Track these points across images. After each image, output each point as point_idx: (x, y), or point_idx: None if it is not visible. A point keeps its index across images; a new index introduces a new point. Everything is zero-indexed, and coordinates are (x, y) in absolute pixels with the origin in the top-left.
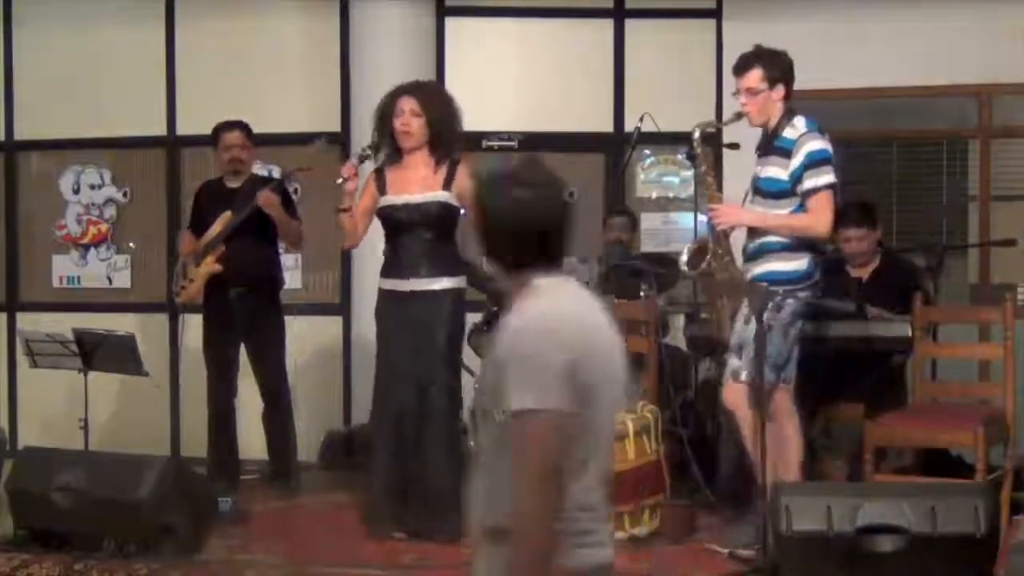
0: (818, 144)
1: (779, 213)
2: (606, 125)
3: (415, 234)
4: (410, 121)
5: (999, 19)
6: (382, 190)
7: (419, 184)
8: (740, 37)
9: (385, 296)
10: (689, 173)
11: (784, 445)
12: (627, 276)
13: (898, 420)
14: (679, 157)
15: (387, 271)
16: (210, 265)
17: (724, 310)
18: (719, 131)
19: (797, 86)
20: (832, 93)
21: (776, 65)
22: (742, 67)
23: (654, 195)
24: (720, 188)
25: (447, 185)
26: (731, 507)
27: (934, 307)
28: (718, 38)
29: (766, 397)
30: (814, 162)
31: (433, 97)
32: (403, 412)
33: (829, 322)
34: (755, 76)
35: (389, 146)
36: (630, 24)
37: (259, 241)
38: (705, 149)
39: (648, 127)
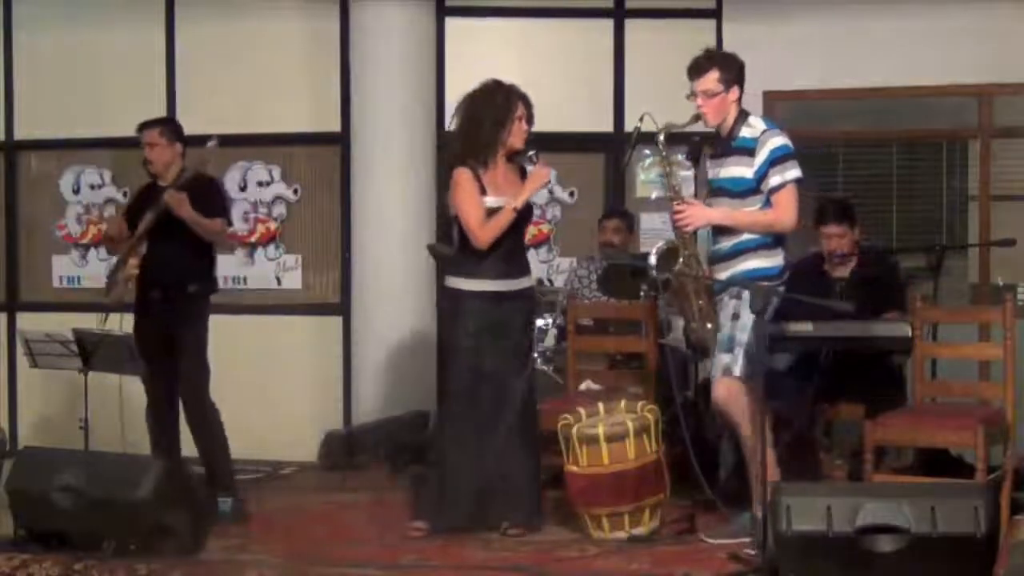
0: (780, 140)
1: (746, 210)
2: (606, 125)
3: (508, 236)
4: (527, 129)
5: (999, 19)
6: (482, 191)
7: (510, 187)
8: (740, 37)
9: (473, 298)
10: (689, 173)
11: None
12: (627, 276)
13: (898, 420)
14: (679, 157)
15: (476, 272)
16: (133, 267)
17: (695, 307)
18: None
19: (797, 86)
20: (832, 93)
21: (731, 67)
22: (698, 70)
23: (654, 195)
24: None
25: None
26: (731, 507)
27: (934, 307)
28: (718, 38)
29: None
30: (778, 158)
31: (529, 104)
32: (492, 412)
33: (829, 322)
34: (711, 78)
35: (493, 146)
36: (630, 24)
37: (181, 243)
38: (669, 151)
39: (648, 127)
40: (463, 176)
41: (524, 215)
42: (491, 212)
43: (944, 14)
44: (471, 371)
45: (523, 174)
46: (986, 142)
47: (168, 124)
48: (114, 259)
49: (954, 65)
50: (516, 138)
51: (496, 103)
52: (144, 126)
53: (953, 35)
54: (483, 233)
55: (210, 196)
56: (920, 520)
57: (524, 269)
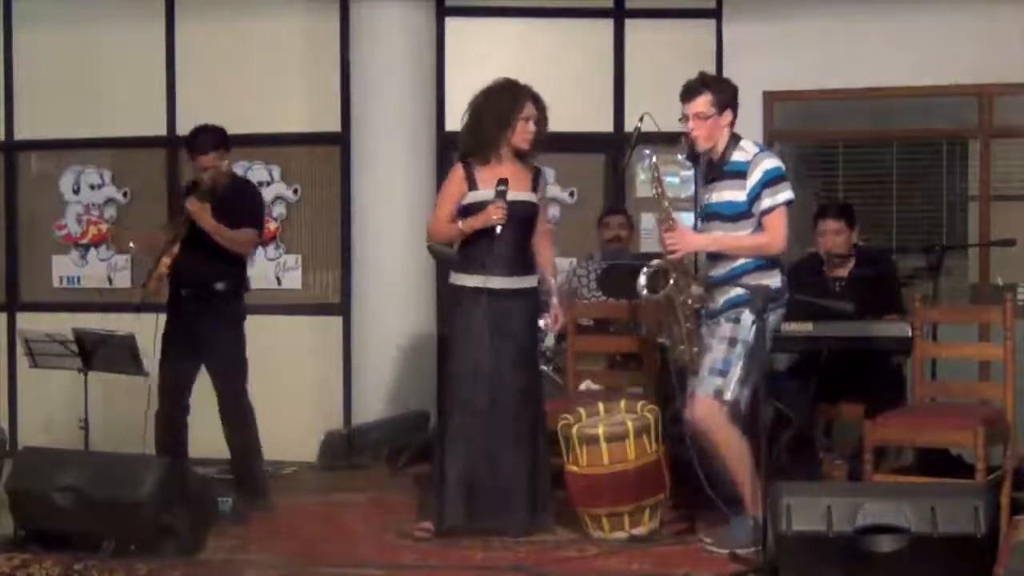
0: (773, 163)
1: (735, 235)
2: (606, 125)
3: (510, 231)
4: (538, 129)
5: (999, 19)
6: (472, 185)
7: (516, 184)
8: (740, 37)
9: (475, 294)
10: (689, 173)
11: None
12: (627, 276)
13: (898, 420)
14: (679, 157)
15: (479, 268)
16: (165, 265)
17: (683, 329)
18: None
19: (797, 86)
20: (832, 93)
21: (723, 91)
22: (690, 93)
23: (654, 195)
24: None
25: (534, 187)
26: (731, 507)
27: (934, 307)
28: (718, 38)
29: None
30: (771, 180)
31: (543, 107)
32: (493, 410)
33: (829, 322)
34: (703, 102)
35: (495, 144)
36: (630, 24)
37: (210, 241)
38: (661, 162)
39: (648, 127)
40: (453, 172)
41: (530, 215)
42: (477, 206)
43: (944, 14)
44: (471, 369)
45: (536, 173)
46: (986, 142)
47: (225, 141)
48: (115, 259)
49: (954, 65)
50: (520, 138)
51: (502, 102)
52: (201, 149)
53: (953, 35)
54: (433, 229)
55: (240, 202)
56: (920, 520)
57: (529, 268)
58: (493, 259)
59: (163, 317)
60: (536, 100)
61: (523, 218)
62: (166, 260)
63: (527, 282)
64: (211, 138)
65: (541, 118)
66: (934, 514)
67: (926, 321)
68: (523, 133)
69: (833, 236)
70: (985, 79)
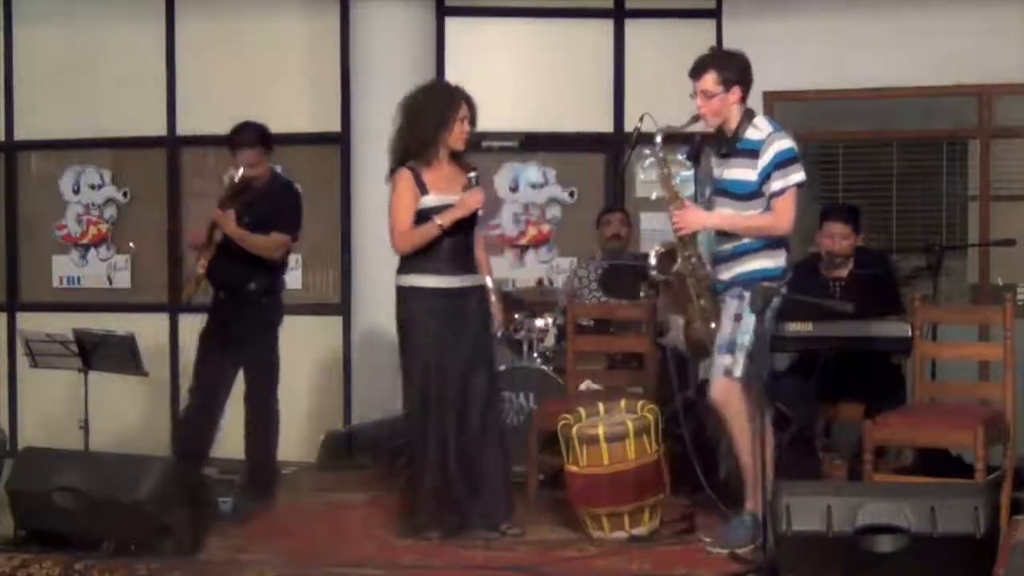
0: (786, 143)
1: (745, 214)
2: (606, 125)
3: (459, 233)
4: (469, 131)
5: (999, 19)
6: (423, 190)
7: (457, 185)
8: (740, 37)
9: (428, 294)
10: (689, 173)
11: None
12: (627, 276)
13: (898, 420)
14: (679, 157)
15: (430, 268)
16: (202, 267)
17: (697, 307)
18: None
19: (798, 86)
20: (832, 93)
21: (730, 67)
22: (697, 70)
23: (654, 195)
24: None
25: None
26: (731, 507)
27: (934, 307)
28: (718, 38)
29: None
30: (783, 161)
31: (473, 106)
32: (458, 409)
33: (829, 322)
34: (709, 79)
35: (434, 146)
36: (630, 24)
37: (241, 247)
38: (667, 153)
39: (648, 127)
40: (401, 177)
41: (472, 217)
42: (431, 211)
43: (944, 14)
44: (433, 370)
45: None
46: (986, 142)
47: (265, 140)
48: (115, 259)
49: (954, 65)
50: (457, 138)
51: (437, 103)
52: (240, 144)
53: (953, 35)
54: (403, 239)
55: (274, 206)
56: (920, 520)
57: (474, 266)
58: (441, 260)
59: (163, 318)
60: (468, 100)
61: (473, 218)
62: (203, 262)
63: (476, 280)
64: (248, 136)
65: (472, 118)
66: (934, 514)
67: (926, 321)
68: (460, 133)
69: (840, 239)
70: (985, 79)
